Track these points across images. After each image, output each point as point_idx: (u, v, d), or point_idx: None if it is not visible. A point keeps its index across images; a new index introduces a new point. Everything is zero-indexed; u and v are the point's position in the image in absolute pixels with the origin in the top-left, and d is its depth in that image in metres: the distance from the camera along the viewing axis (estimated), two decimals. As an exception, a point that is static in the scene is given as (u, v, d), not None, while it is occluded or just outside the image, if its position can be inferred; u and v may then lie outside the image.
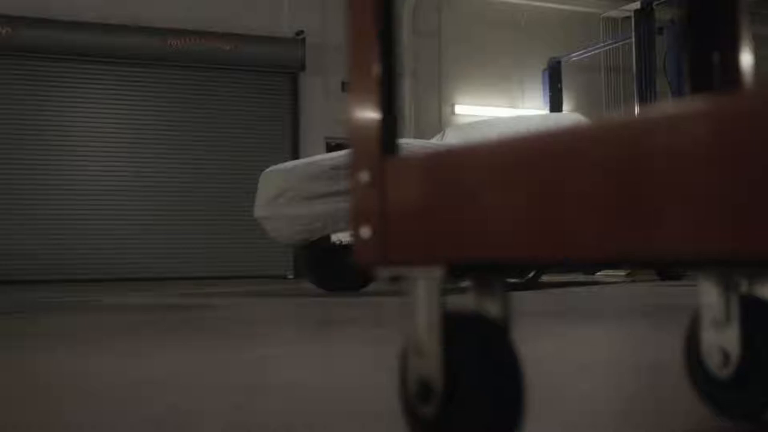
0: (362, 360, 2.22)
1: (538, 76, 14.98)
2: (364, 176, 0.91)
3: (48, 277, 11.29)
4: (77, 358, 2.38)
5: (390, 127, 0.90)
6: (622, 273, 10.50)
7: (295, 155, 12.55)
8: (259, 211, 6.42)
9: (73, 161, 11.87)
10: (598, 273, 10.74)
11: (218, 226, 12.44)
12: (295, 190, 6.07)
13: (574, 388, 1.65)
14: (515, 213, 0.74)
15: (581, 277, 9.73)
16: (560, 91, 14.83)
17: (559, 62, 14.84)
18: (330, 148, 12.55)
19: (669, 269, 8.37)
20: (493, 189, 0.77)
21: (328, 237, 6.02)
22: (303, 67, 12.92)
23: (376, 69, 0.90)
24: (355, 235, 0.91)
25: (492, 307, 0.90)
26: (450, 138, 7.64)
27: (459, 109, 14.40)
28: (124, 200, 12.04)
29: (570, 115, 7.48)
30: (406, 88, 13.76)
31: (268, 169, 6.54)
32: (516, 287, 5.97)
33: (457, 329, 0.87)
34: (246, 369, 2.05)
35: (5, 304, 5.73)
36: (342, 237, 5.96)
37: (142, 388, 1.76)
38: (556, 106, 14.61)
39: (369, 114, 0.91)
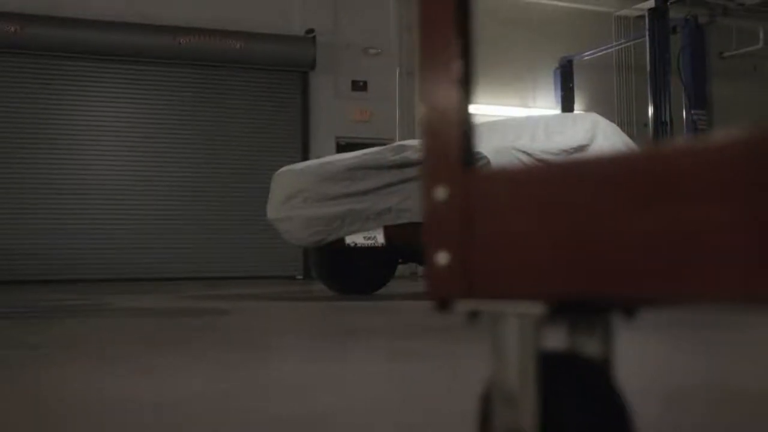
0: (400, 382, 2.08)
1: (550, 75, 14.82)
2: (441, 192, 0.77)
3: (55, 277, 11.18)
4: (87, 375, 2.24)
5: (471, 133, 0.77)
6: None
7: (305, 154, 12.43)
8: (273, 212, 6.29)
9: (81, 160, 11.75)
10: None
11: (227, 226, 12.31)
12: (310, 191, 5.94)
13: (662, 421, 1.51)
14: (648, 238, 0.61)
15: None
16: (572, 90, 14.67)
17: (570, 61, 14.67)
18: (340, 148, 12.42)
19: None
20: (619, 209, 0.63)
21: (342, 239, 5.88)
22: (313, 66, 12.78)
23: (456, 65, 0.77)
24: (428, 261, 0.78)
25: (590, 345, 0.77)
26: (465, 138, 7.49)
27: (470, 108, 14.22)
28: (132, 199, 11.92)
29: (588, 115, 7.31)
30: (418, 87, 13.61)
31: (281, 170, 6.41)
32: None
33: (556, 374, 0.74)
34: (272, 393, 1.91)
35: (11, 307, 5.61)
36: (356, 239, 5.81)
37: (162, 415, 1.63)
38: (567, 105, 14.45)
39: (447, 118, 0.78)
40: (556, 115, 7.77)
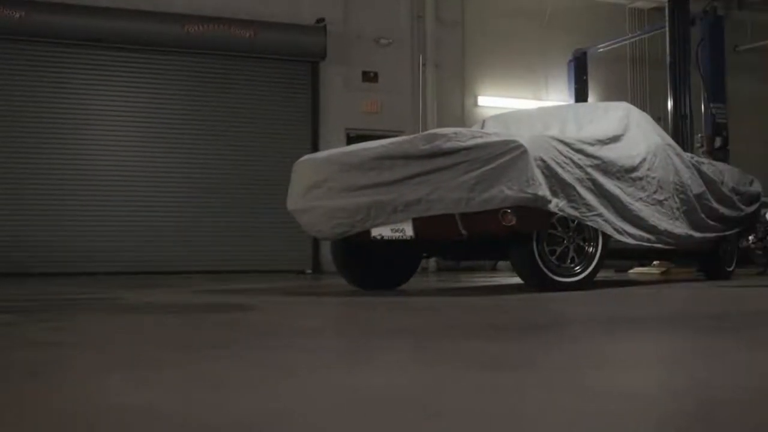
0: (519, 399, 1.81)
1: (563, 67, 14.54)
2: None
3: (63, 269, 10.85)
4: (133, 386, 1.97)
5: None
6: (656, 271, 10.06)
7: (315, 146, 12.13)
8: (293, 203, 5.99)
9: (87, 150, 11.45)
10: (631, 271, 10.32)
11: (235, 219, 12.01)
12: (334, 181, 5.64)
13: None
14: None
15: (614, 276, 9.31)
16: (586, 82, 14.40)
17: (584, 53, 14.40)
18: (350, 140, 12.13)
19: (715, 268, 7.92)
20: None
21: (367, 231, 5.59)
22: (324, 56, 12.47)
23: None
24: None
25: None
26: (490, 128, 7.21)
27: (482, 100, 13.95)
28: (138, 191, 11.61)
29: (620, 104, 7.04)
30: (429, 78, 13.31)
31: (302, 158, 6.11)
32: (568, 287, 5.55)
33: None
34: (379, 413, 1.63)
35: (23, 301, 5.33)
36: (383, 232, 5.52)
37: None
38: (581, 98, 14.18)
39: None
40: (585, 105, 7.50)
